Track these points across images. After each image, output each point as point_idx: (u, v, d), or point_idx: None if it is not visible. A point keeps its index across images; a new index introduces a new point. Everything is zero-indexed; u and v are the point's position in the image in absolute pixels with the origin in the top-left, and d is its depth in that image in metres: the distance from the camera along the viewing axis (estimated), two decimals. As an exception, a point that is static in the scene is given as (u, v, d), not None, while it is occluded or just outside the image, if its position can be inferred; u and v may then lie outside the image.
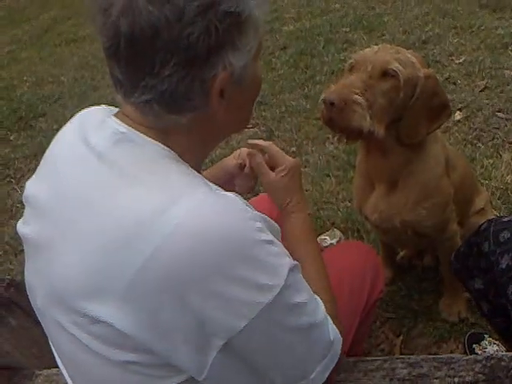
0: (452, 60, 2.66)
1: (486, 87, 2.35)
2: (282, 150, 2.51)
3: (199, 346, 0.61)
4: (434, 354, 1.31)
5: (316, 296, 0.73)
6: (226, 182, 0.98)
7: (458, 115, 2.23)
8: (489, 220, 1.10)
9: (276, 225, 0.73)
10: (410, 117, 1.08)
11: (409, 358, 0.99)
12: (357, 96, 1.01)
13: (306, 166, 2.22)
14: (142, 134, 0.67)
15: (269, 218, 0.71)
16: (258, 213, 0.67)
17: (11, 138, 3.07)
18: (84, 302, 0.62)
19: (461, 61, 2.62)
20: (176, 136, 0.68)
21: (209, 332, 0.61)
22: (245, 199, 0.69)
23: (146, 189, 0.62)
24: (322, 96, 1.05)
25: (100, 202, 0.63)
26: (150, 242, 0.58)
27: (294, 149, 2.36)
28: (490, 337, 1.32)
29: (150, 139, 0.67)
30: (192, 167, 0.69)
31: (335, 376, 0.97)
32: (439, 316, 1.44)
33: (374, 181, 1.25)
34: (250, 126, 2.65)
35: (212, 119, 0.68)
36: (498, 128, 2.10)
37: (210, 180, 0.98)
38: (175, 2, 0.58)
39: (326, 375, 0.73)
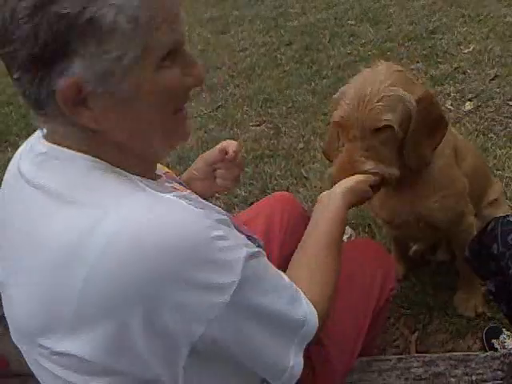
0: (461, 49, 2.61)
1: (496, 76, 2.31)
2: (290, 146, 2.49)
3: (166, 357, 0.59)
4: (451, 350, 1.28)
5: (283, 276, 0.71)
6: (206, 174, 0.97)
7: (468, 105, 2.19)
8: (495, 218, 1.06)
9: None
10: (411, 144, 1.05)
11: (424, 357, 0.97)
12: (365, 164, 1.01)
13: (314, 162, 2.19)
14: (66, 149, 0.63)
15: (218, 209, 0.71)
16: (208, 209, 0.65)
17: (19, 143, 3.07)
18: (41, 337, 0.60)
19: (470, 50, 2.57)
20: (99, 145, 0.63)
21: (171, 342, 0.58)
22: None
23: (77, 207, 0.59)
24: (334, 180, 1.02)
25: (39, 232, 0.60)
26: (85, 263, 0.55)
27: (301, 145, 2.34)
28: (508, 330, 1.28)
29: (75, 153, 0.62)
30: (139, 173, 0.65)
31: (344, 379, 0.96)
32: (455, 311, 1.40)
33: None
34: (257, 123, 2.64)
35: (100, 131, 0.62)
36: (510, 117, 2.05)
37: (191, 174, 0.96)
38: (9, 3, 0.54)
39: (302, 354, 0.70)
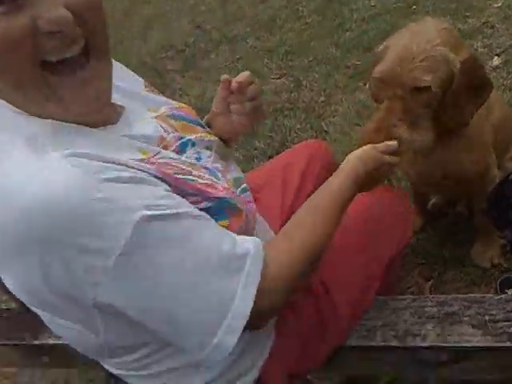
0: (490, 4, 2.51)
1: (526, 30, 2.23)
2: (311, 99, 2.47)
3: (80, 309, 0.62)
4: (465, 296, 1.31)
5: (230, 245, 0.66)
6: (223, 109, 0.91)
7: (496, 60, 2.13)
8: None
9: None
10: (452, 105, 1.03)
11: (438, 297, 1.00)
12: (400, 130, 0.98)
13: (334, 116, 2.18)
14: None
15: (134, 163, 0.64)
16: (108, 164, 0.60)
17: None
18: None
19: (499, 5, 2.47)
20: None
21: (74, 300, 0.60)
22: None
23: None
24: (365, 141, 0.98)
25: None
26: None
27: (322, 98, 2.31)
28: (522, 281, 1.30)
29: None
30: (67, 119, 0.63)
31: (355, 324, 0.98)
32: (471, 263, 1.42)
33: None
34: (277, 76, 2.61)
35: None
36: (538, 73, 2.00)
37: (212, 110, 0.93)
38: None
39: (250, 303, 0.64)
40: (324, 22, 2.90)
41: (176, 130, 0.81)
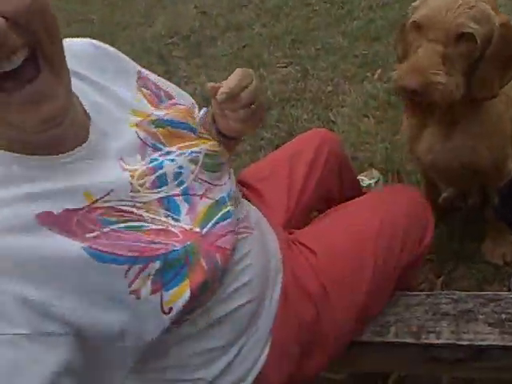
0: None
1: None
2: (318, 89, 2.43)
3: None
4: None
5: None
6: (220, 111, 0.83)
7: None
8: None
9: None
10: (483, 70, 0.99)
11: (453, 294, 0.98)
12: (438, 76, 0.95)
13: (343, 106, 2.15)
14: None
15: None
16: None
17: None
18: None
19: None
20: None
21: None
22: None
23: None
24: (399, 82, 0.97)
25: None
26: None
27: (330, 88, 2.28)
28: (534, 278, 1.28)
29: None
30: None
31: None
32: (482, 259, 1.39)
33: (428, 119, 1.16)
34: (284, 64, 2.57)
35: None
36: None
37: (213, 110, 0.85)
38: None
39: None
40: (331, 10, 2.86)
41: (158, 140, 0.75)
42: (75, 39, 0.80)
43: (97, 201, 0.63)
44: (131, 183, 0.67)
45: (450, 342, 0.91)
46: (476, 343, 0.90)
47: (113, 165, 0.68)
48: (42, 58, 0.57)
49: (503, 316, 0.91)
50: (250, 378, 0.79)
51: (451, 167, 1.18)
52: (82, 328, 0.57)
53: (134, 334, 0.62)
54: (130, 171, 0.69)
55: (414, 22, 0.99)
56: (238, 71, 0.77)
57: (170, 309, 0.64)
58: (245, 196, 0.99)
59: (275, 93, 2.35)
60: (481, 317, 0.93)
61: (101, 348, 0.60)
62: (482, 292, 0.98)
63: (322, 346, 0.88)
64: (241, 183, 1.08)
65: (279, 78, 2.47)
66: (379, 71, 2.26)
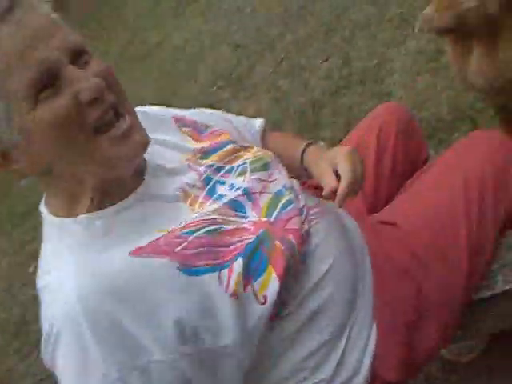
0: None
1: None
2: (364, 68, 2.32)
3: None
4: None
5: None
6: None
7: None
8: None
9: None
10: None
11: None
12: (467, 2, 0.92)
13: (392, 74, 2.01)
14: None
15: None
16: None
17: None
18: None
19: None
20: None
21: None
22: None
23: None
24: (432, 25, 1.00)
25: None
26: None
27: (375, 61, 2.15)
28: None
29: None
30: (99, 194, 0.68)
31: None
32: None
33: (470, 42, 1.08)
34: (324, 58, 2.49)
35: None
36: None
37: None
38: None
39: None
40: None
41: (211, 165, 0.81)
42: None
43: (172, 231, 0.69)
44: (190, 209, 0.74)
45: None
46: None
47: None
48: (121, 106, 0.67)
49: None
50: (364, 370, 0.78)
51: (506, 86, 1.07)
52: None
53: (238, 334, 0.66)
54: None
55: None
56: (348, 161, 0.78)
57: (265, 297, 0.68)
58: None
59: (323, 90, 2.28)
60: None
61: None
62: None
63: (432, 317, 0.83)
64: None
65: (323, 74, 2.40)
66: (418, 23, 2.08)
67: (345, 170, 0.77)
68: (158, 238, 0.67)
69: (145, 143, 0.68)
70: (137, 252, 0.65)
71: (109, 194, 0.69)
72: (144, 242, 0.66)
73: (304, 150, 0.91)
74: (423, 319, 0.83)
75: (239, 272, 0.67)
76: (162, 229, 0.68)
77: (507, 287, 0.82)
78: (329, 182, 0.78)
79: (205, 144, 0.85)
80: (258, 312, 0.68)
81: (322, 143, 0.94)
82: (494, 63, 1.06)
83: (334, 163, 0.80)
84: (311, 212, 0.82)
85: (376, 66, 2.14)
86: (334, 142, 1.98)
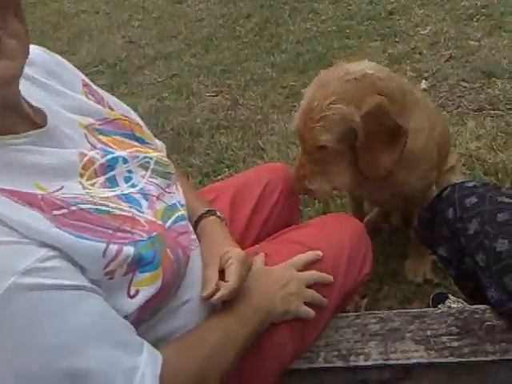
0: (418, 31, 2.65)
1: (450, 57, 2.35)
2: (248, 118, 2.44)
3: None
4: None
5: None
6: None
7: (423, 84, 2.22)
8: (451, 186, 1.07)
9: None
10: (363, 156, 1.04)
11: (381, 313, 0.97)
12: (311, 185, 1.10)
13: (272, 134, 2.16)
14: None
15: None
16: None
17: None
18: None
19: (426, 31, 2.61)
20: None
21: None
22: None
23: None
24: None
25: None
26: None
27: (259, 117, 2.30)
28: (453, 296, 1.31)
29: None
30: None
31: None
32: (405, 278, 1.42)
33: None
34: (214, 93, 2.57)
35: None
36: (462, 96, 2.10)
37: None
38: None
39: None
40: (261, 43, 2.93)
41: (106, 145, 0.75)
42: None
43: (51, 193, 0.62)
44: (80, 182, 0.67)
45: (378, 363, 0.89)
46: (403, 362, 0.89)
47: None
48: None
49: (428, 332, 0.91)
50: None
51: (382, 197, 1.22)
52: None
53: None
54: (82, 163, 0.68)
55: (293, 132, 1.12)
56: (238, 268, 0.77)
57: (137, 291, 0.64)
58: None
59: (204, 120, 2.34)
60: (408, 334, 0.92)
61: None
62: (408, 310, 0.98)
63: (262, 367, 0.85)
64: None
65: (208, 106, 2.47)
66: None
67: (233, 279, 0.76)
68: (37, 194, 0.60)
69: (5, 76, 0.57)
70: (9, 193, 0.57)
71: None
72: (21, 188, 0.59)
73: (200, 218, 0.89)
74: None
75: (128, 256, 0.63)
76: (42, 187, 0.61)
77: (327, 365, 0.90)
78: (210, 286, 0.75)
79: (108, 117, 0.80)
80: (122, 302, 0.64)
81: (218, 213, 0.91)
82: (381, 186, 1.16)
83: (225, 260, 0.79)
84: (192, 237, 0.82)
85: (259, 121, 2.26)
86: (201, 172, 2.03)
